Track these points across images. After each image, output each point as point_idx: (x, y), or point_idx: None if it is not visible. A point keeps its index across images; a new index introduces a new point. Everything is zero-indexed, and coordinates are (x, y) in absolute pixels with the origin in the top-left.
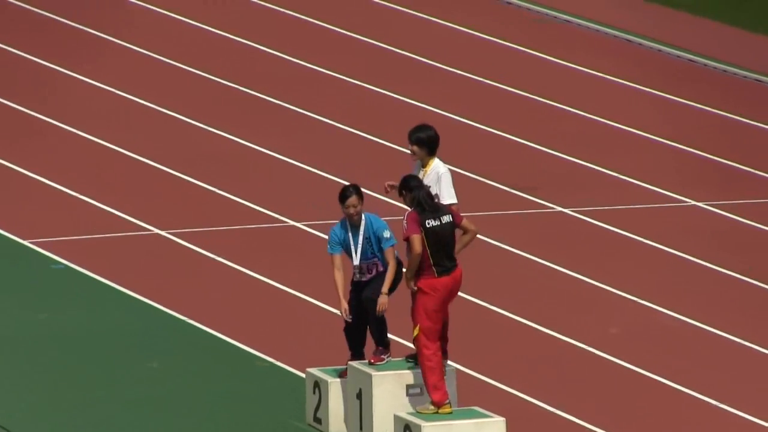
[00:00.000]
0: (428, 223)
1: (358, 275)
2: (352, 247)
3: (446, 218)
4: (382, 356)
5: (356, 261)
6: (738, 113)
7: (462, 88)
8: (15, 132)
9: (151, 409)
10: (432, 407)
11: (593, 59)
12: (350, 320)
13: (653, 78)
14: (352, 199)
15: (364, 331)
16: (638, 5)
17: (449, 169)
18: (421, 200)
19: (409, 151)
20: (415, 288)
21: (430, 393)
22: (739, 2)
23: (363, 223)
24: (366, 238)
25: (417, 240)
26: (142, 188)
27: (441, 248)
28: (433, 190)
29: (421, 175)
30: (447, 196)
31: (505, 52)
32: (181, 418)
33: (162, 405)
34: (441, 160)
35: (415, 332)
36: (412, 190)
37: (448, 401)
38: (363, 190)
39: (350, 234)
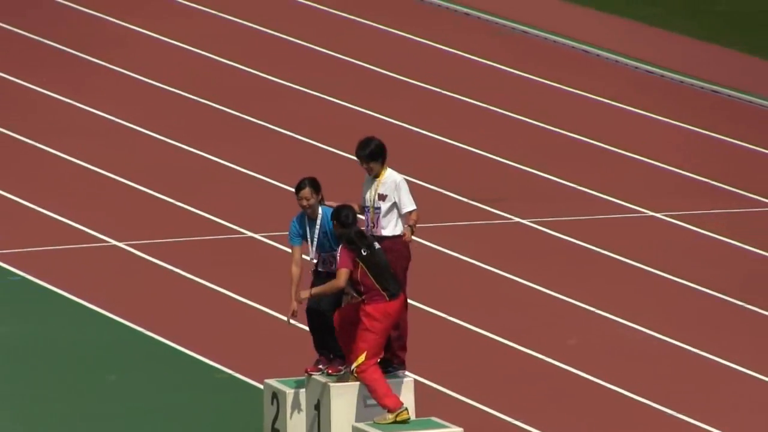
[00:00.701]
0: (363, 252)
1: (321, 267)
2: (309, 240)
3: (377, 245)
4: (339, 367)
5: (312, 253)
6: (698, 125)
7: (426, 102)
8: None
9: (109, 421)
10: (390, 416)
11: (555, 72)
12: (289, 324)
13: (613, 90)
14: (305, 192)
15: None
16: (593, 14)
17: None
18: (354, 239)
19: (365, 168)
20: (305, 296)
21: (383, 403)
22: (692, 14)
23: (320, 216)
24: (323, 232)
25: (344, 274)
26: (98, 199)
27: (383, 271)
28: (391, 198)
29: (374, 186)
30: (408, 203)
31: (467, 66)
32: (139, 431)
33: (120, 417)
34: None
35: (361, 359)
36: (344, 227)
37: (404, 406)
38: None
39: (307, 226)
